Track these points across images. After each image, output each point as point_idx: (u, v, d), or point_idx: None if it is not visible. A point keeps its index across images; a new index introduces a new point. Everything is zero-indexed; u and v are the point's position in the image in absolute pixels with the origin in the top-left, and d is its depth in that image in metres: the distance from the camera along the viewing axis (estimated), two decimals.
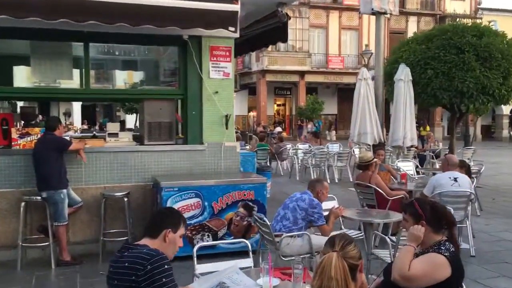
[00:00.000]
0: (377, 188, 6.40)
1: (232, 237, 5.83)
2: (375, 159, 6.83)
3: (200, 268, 3.46)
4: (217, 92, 6.46)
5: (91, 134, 8.30)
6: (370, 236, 4.81)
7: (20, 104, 8.68)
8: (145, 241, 2.66)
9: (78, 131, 27.18)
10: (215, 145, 6.49)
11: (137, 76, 8.51)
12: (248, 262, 3.63)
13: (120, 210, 6.02)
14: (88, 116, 33.32)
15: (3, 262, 5.51)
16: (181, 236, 2.76)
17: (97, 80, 8.32)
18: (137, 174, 6.19)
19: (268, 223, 4.57)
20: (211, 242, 5.51)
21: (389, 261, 4.36)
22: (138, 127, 7.18)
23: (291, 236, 4.55)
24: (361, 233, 5.38)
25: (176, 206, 5.55)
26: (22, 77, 7.68)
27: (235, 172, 6.56)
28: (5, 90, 6.28)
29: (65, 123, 30.94)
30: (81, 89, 6.16)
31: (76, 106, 31.65)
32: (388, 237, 4.67)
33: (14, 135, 5.97)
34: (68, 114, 31.49)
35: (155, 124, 6.43)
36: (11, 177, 5.69)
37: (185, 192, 5.62)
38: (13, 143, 5.96)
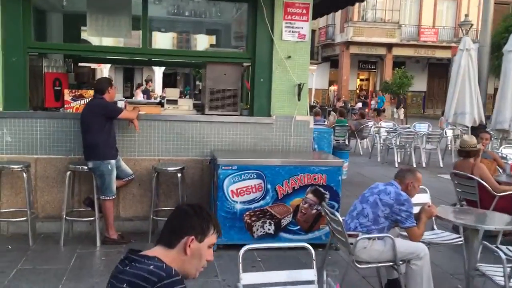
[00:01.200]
0: (481, 181, 5.17)
1: (297, 227, 4.97)
2: (480, 146, 5.56)
3: (245, 278, 2.63)
4: (289, 57, 5.51)
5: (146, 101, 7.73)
6: (474, 246, 3.69)
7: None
8: (157, 250, 1.87)
9: (158, 98, 27.62)
10: (284, 119, 5.60)
11: (205, 39, 7.77)
12: (310, 275, 2.74)
13: (174, 186, 5.38)
14: (169, 84, 33.76)
15: (48, 235, 5.10)
16: (211, 246, 1.92)
17: (162, 42, 7.72)
18: (195, 147, 5.48)
19: (340, 219, 3.63)
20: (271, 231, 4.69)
21: (502, 284, 3.27)
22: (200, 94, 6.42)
23: (370, 238, 3.58)
24: (460, 237, 4.27)
25: (234, 187, 4.78)
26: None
27: (306, 151, 5.63)
28: (47, 46, 5.79)
29: (146, 88, 31.68)
30: (138, 48, 5.50)
31: (158, 74, 32.12)
32: (498, 247, 3.53)
33: (67, 97, 5.49)
34: (150, 81, 32.05)
35: (217, 92, 5.65)
36: (60, 143, 5.23)
37: (245, 172, 4.81)
38: (65, 106, 5.48)
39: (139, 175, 5.36)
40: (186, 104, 5.81)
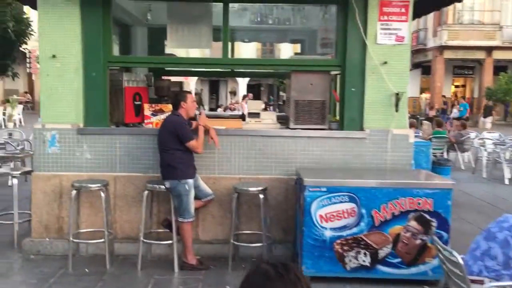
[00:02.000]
0: None
1: (398, 259, 4.26)
2: None
3: None
4: (385, 63, 4.84)
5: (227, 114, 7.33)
6: None
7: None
8: None
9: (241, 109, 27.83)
10: (379, 133, 4.92)
11: (289, 48, 7.28)
12: None
13: (256, 207, 4.92)
14: (253, 95, 33.92)
15: (126, 256, 4.86)
16: None
17: (245, 52, 7.36)
18: (279, 164, 4.99)
19: (461, 261, 2.90)
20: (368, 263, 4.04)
21: None
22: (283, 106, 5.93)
23: (500, 287, 2.82)
24: None
25: (323, 212, 4.20)
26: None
27: (405, 170, 4.90)
28: (128, 60, 5.60)
29: (231, 101, 32.00)
30: (219, 58, 5.14)
31: (242, 85, 32.40)
32: None
33: (147, 112, 5.27)
34: (233, 93, 32.45)
35: (303, 103, 5.13)
36: (139, 160, 5.00)
37: (336, 194, 4.21)
38: (145, 121, 5.27)
39: (219, 194, 4.97)
40: (269, 118, 5.35)
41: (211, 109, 34.72)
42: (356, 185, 4.24)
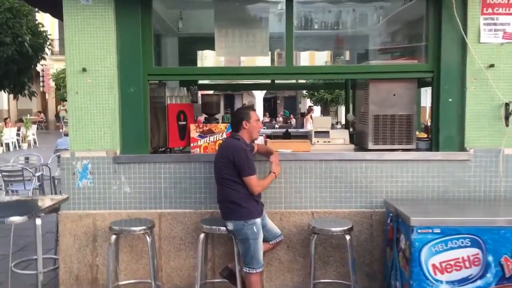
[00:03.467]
0: None
1: None
2: None
3: None
4: (492, 66, 3.91)
5: (282, 132, 6.31)
6: None
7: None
8: None
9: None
10: (486, 153, 3.97)
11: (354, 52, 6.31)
12: None
13: (333, 248, 3.99)
14: (269, 108, 33.06)
15: None
16: None
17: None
18: (360, 195, 4.05)
19: None
20: None
21: None
22: (354, 121, 4.95)
23: None
24: None
25: (437, 260, 3.25)
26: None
27: None
28: (172, 72, 4.65)
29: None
30: (280, 67, 4.23)
31: (258, 99, 31.56)
32: None
33: (194, 133, 4.36)
34: (251, 106, 31.62)
35: (385, 119, 4.20)
36: (188, 193, 4.08)
37: (453, 237, 3.25)
38: (191, 145, 4.36)
39: (287, 234, 4.03)
40: (340, 137, 4.41)
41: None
42: (480, 224, 3.27)
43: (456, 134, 4.02)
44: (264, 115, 30.62)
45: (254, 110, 3.96)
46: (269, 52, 4.65)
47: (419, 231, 3.25)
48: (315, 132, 4.48)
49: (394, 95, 4.21)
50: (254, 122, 3.71)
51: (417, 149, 4.22)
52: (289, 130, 7.00)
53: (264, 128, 9.57)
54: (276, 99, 35.63)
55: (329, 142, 4.43)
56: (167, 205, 4.09)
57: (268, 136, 5.22)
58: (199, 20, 5.96)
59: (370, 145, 4.24)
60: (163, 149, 4.45)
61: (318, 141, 4.44)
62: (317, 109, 24.18)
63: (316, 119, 4.55)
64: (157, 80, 4.44)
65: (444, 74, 4.00)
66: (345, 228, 3.65)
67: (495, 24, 3.91)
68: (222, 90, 29.14)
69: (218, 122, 4.57)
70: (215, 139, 4.31)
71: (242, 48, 4.57)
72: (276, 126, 25.64)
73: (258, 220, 3.59)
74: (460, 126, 4.01)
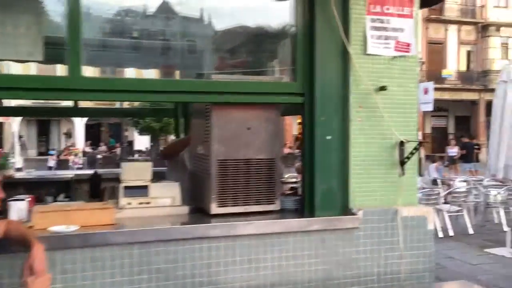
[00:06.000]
0: None
1: None
2: None
3: None
4: (383, 88, 2.70)
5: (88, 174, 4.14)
6: None
7: None
8: None
9: (80, 154, 23.53)
10: (380, 215, 2.70)
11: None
12: None
13: None
14: (92, 136, 29.72)
15: None
16: None
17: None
18: None
19: None
20: None
21: None
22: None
23: None
24: None
25: None
26: None
27: (425, 284, 2.74)
28: None
29: (65, 144, 27.36)
30: (63, 77, 2.36)
31: (79, 126, 28.10)
32: None
33: None
34: (69, 134, 27.94)
35: (236, 166, 2.67)
36: None
37: None
38: None
39: None
40: (167, 195, 2.72)
41: (40, 153, 29.31)
42: None
43: (338, 189, 2.69)
44: (86, 144, 27.35)
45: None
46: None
47: None
48: (125, 188, 2.70)
49: (249, 128, 2.72)
50: None
51: (283, 211, 2.77)
52: (100, 171, 5.03)
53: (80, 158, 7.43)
54: (100, 126, 32.36)
55: (148, 204, 2.70)
56: None
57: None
58: None
59: (214, 208, 2.65)
60: None
61: (129, 204, 2.67)
62: (140, 140, 21.88)
63: (126, 167, 2.78)
64: None
65: (319, 98, 2.66)
66: None
67: (385, 29, 2.73)
68: (34, 116, 25.06)
69: None
70: None
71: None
72: (99, 156, 22.79)
73: None
74: (343, 177, 2.69)
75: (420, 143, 2.68)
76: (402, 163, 2.75)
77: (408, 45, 2.76)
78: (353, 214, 2.65)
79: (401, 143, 2.74)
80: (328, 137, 2.67)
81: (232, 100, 2.60)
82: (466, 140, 18.30)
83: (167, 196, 2.75)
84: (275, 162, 2.75)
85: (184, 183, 2.94)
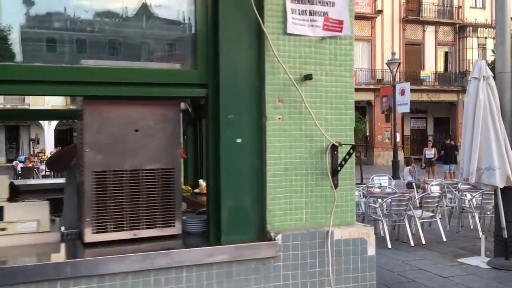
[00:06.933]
0: None
1: None
2: None
3: None
4: (309, 77, 2.10)
5: None
6: None
7: None
8: None
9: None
10: (304, 239, 2.10)
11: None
12: None
13: None
14: (64, 141, 28.68)
15: None
16: None
17: None
18: None
19: None
20: None
21: None
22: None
23: None
24: None
25: None
26: None
27: None
28: None
29: (33, 150, 26.32)
30: None
31: (48, 131, 27.08)
32: None
33: None
34: (37, 140, 26.90)
35: (119, 180, 2.05)
36: None
37: None
38: None
39: None
40: (31, 217, 2.09)
41: (10, 160, 28.15)
42: None
43: (252, 207, 2.09)
44: (56, 149, 26.37)
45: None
46: None
47: None
48: None
49: (137, 131, 2.10)
50: None
51: (186, 236, 2.16)
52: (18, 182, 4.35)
53: None
54: (72, 131, 31.31)
55: (3, 230, 2.06)
56: None
57: None
58: None
59: (89, 235, 2.02)
60: None
61: None
62: None
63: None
64: None
65: (226, 91, 2.05)
66: None
67: (311, 1, 2.14)
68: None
69: None
70: None
71: None
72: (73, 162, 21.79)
73: None
74: (258, 191, 2.09)
75: (354, 147, 2.09)
76: (335, 172, 2.16)
77: (341, 22, 2.17)
78: (270, 239, 2.05)
79: (333, 147, 2.16)
80: (238, 140, 2.07)
81: (108, 93, 1.98)
82: (447, 141, 18.23)
83: (30, 219, 2.10)
84: (173, 173, 2.14)
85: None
